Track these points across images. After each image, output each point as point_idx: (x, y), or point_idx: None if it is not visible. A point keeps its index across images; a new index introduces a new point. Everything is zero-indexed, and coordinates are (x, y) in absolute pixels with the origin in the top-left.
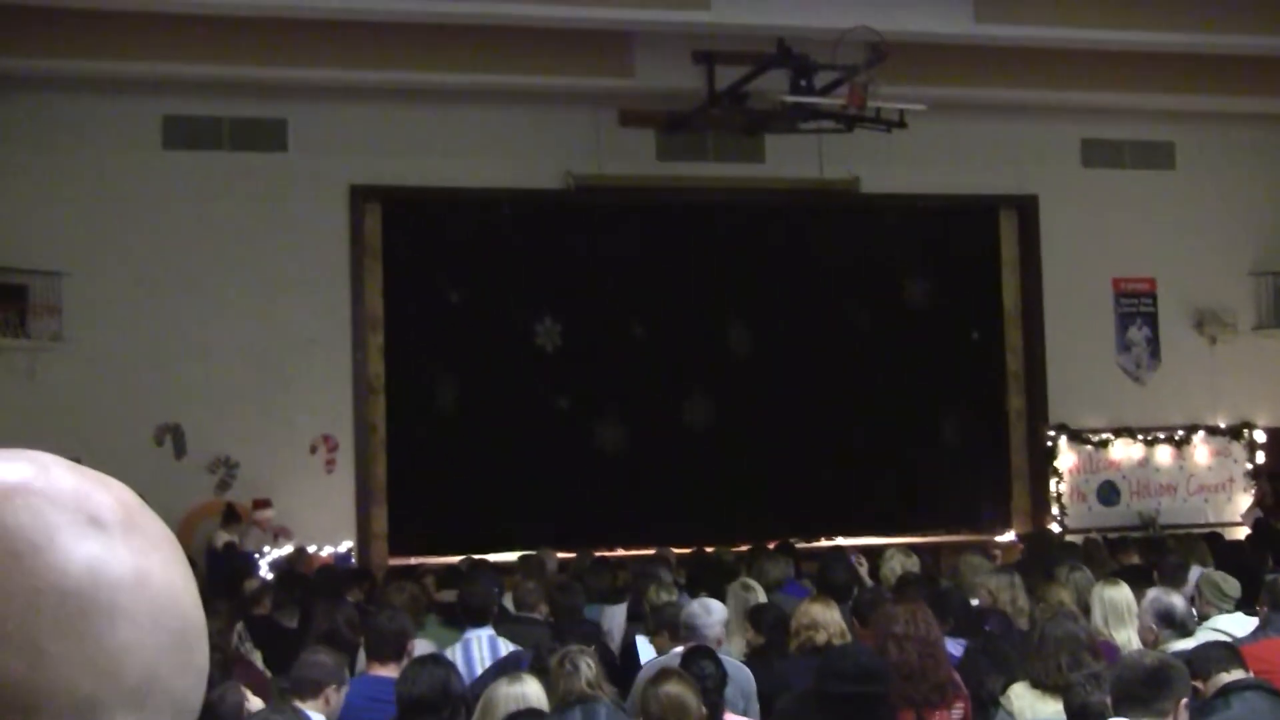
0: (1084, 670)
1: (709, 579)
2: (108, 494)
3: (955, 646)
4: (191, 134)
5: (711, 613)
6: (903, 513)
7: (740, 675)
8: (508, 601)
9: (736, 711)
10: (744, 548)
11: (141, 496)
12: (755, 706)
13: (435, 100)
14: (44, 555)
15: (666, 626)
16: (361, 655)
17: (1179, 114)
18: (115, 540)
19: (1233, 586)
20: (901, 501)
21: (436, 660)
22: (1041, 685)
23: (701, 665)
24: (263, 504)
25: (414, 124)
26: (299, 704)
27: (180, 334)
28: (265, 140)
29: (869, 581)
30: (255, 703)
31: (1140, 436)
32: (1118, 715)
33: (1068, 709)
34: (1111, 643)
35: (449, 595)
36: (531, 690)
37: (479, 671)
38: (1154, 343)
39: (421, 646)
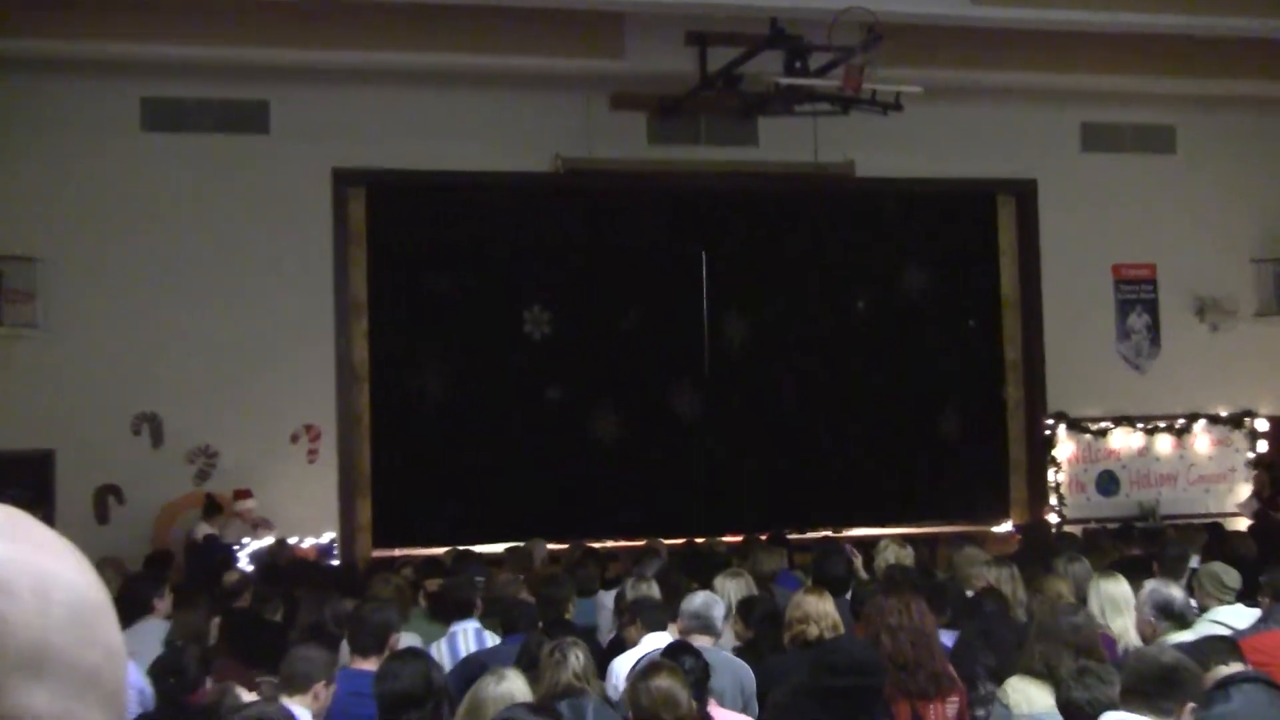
0: (1079, 664)
1: (700, 571)
2: None
3: (952, 639)
4: (171, 116)
5: (719, 605)
6: (899, 504)
7: (741, 672)
8: None
9: (735, 708)
10: (736, 539)
11: (119, 488)
12: (755, 706)
13: (421, 82)
14: None
15: (638, 618)
16: (344, 648)
17: (1180, 98)
18: None
19: (1233, 578)
20: (897, 492)
21: (415, 654)
22: (1039, 677)
23: (683, 660)
24: (243, 495)
25: (399, 106)
26: (287, 699)
27: (158, 321)
28: (246, 122)
29: (864, 574)
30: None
31: (1140, 425)
32: (1125, 707)
33: (1057, 704)
34: (1108, 634)
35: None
36: (517, 688)
37: None
38: (1154, 330)
39: (407, 639)
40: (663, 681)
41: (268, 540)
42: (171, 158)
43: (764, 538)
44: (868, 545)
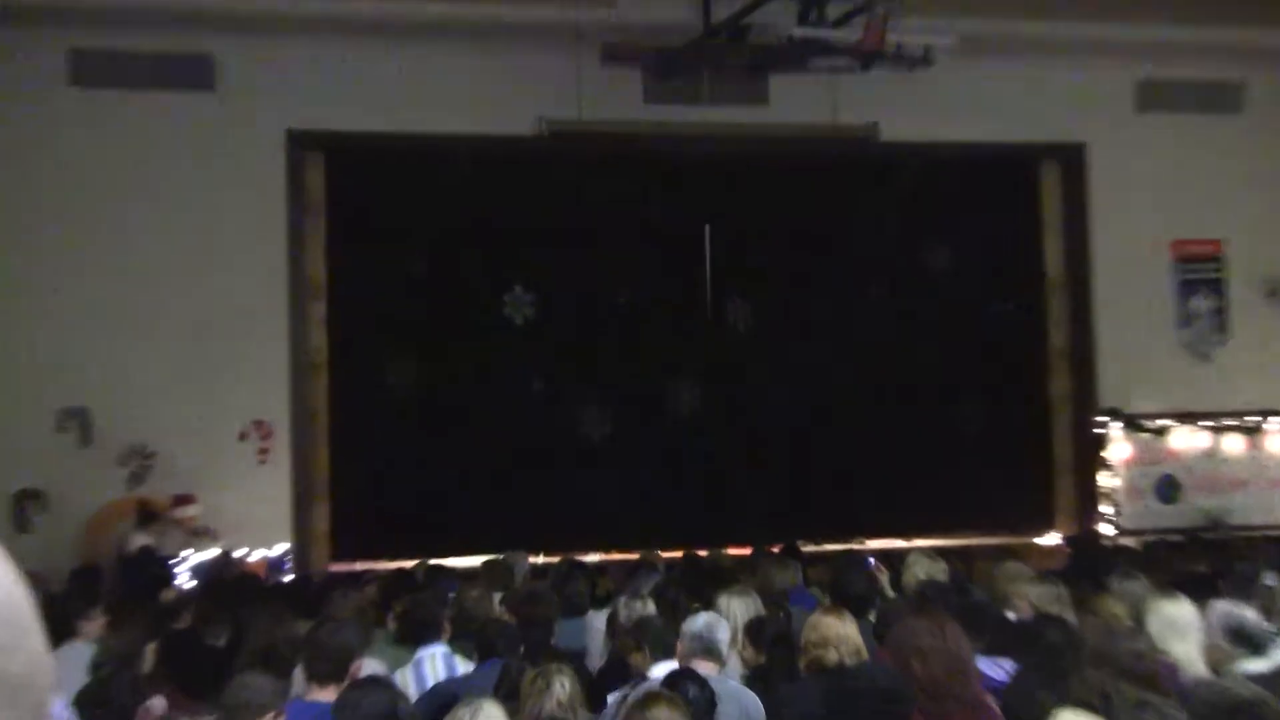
0: (1138, 697)
1: (702, 587)
2: None
3: (992, 667)
4: (103, 69)
5: (724, 626)
6: (929, 512)
7: (748, 702)
8: None
9: None
10: (743, 551)
11: (41, 492)
12: None
13: (387, 34)
14: None
15: (644, 643)
16: (297, 676)
17: (1248, 50)
18: None
19: None
20: (927, 499)
21: (377, 683)
22: (1092, 710)
23: (686, 688)
24: (184, 500)
25: (362, 62)
26: None
27: (89, 303)
28: (189, 78)
29: (890, 592)
30: None
31: (1205, 423)
32: None
33: None
34: (1169, 661)
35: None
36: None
37: None
38: (1220, 315)
39: (370, 666)
40: (662, 713)
41: (211, 552)
42: (103, 117)
43: (775, 550)
44: (894, 559)
